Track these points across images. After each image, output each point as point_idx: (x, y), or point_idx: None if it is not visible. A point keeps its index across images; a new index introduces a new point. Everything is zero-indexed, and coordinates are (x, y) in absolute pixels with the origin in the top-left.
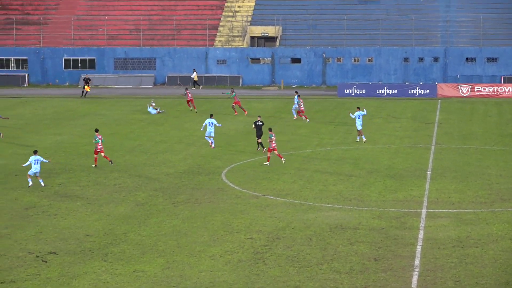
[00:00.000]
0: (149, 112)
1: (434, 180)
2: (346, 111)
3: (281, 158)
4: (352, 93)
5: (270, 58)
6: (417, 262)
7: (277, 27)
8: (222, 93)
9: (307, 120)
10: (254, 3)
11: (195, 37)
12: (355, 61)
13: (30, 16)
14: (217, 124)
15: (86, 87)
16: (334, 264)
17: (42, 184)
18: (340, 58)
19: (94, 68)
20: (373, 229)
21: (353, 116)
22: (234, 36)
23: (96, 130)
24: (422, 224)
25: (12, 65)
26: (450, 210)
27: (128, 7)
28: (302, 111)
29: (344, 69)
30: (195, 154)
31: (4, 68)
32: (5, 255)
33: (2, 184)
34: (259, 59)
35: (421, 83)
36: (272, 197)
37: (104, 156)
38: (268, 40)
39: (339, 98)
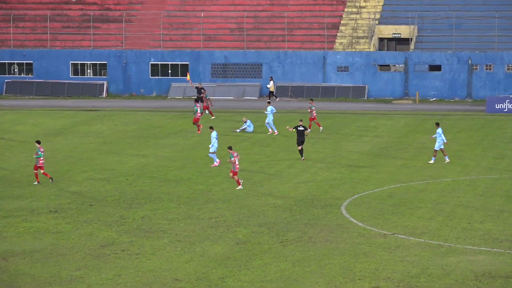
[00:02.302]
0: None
1: None
2: (497, 130)
3: (239, 184)
4: (505, 109)
5: (403, 65)
6: None
7: (412, 26)
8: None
9: (321, 128)
10: None
11: (310, 39)
12: (508, 69)
13: (110, 12)
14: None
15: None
16: None
17: None
18: (490, 66)
19: (186, 75)
20: None
21: (433, 136)
22: (358, 38)
23: (38, 142)
24: None
25: (89, 71)
26: None
27: (229, 2)
28: (314, 118)
29: (495, 79)
30: (309, 181)
31: (79, 75)
32: None
33: (75, 216)
34: (389, 65)
35: None
36: (403, 236)
37: (44, 173)
38: (401, 42)
39: (488, 114)
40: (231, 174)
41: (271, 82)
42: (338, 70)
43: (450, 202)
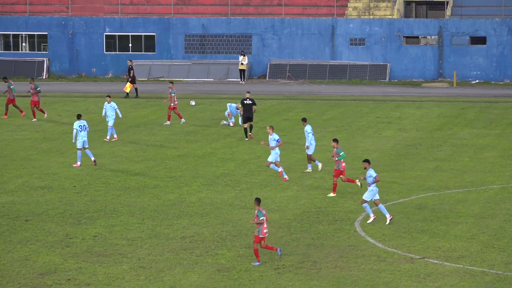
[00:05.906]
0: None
1: None
2: None
3: None
4: None
5: (436, 37)
6: None
7: None
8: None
9: (183, 120)
10: None
11: (315, 2)
12: None
13: None
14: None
15: (128, 83)
16: None
17: None
18: None
19: (153, 50)
20: None
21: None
22: (377, 1)
23: None
24: None
25: (24, 45)
26: None
27: None
28: (175, 107)
29: None
30: (313, 189)
31: (11, 50)
32: None
33: (6, 235)
34: (418, 37)
35: None
36: (436, 261)
37: None
38: (434, 7)
39: None
40: None
41: (246, 58)
42: (351, 44)
43: (497, 215)
